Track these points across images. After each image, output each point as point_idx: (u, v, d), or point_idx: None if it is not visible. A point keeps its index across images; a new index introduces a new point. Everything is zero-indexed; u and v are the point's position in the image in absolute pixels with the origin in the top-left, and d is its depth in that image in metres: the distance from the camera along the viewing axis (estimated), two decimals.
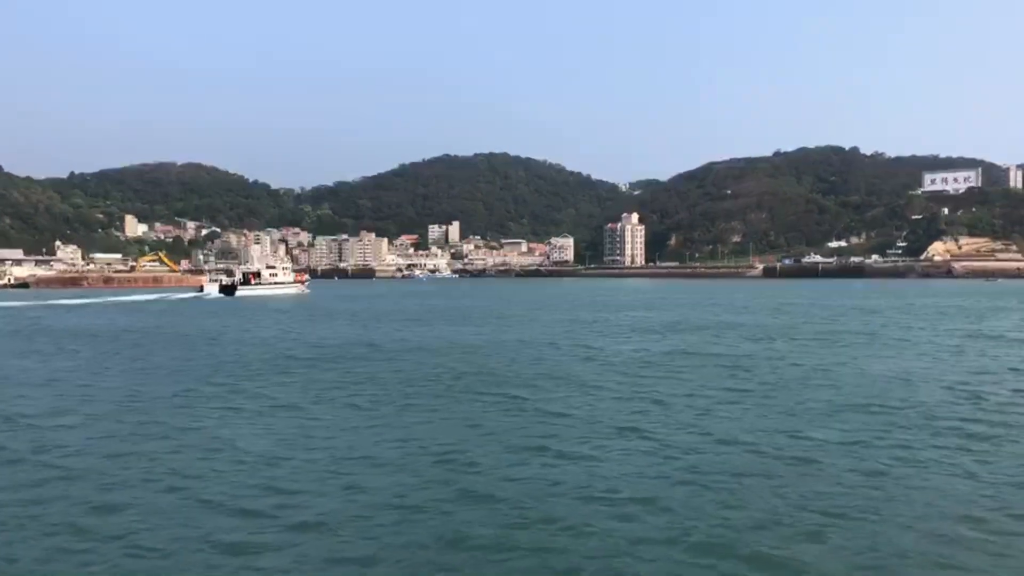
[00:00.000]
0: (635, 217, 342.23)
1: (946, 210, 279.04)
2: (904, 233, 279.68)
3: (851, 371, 26.88)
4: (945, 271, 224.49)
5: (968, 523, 11.33)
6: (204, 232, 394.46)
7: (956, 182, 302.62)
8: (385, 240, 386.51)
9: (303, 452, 15.81)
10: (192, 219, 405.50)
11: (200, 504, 12.52)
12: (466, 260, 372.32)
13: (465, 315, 64.66)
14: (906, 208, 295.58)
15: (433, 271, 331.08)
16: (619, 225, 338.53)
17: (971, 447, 15.63)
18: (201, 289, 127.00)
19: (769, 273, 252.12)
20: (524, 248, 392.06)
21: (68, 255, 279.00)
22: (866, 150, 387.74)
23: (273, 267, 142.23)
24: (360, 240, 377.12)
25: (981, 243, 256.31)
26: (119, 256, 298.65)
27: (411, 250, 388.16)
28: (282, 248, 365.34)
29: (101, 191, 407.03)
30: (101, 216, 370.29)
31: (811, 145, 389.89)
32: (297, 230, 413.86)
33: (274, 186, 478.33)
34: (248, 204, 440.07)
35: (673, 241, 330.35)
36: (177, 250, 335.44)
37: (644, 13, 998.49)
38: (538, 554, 10.39)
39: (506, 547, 10.63)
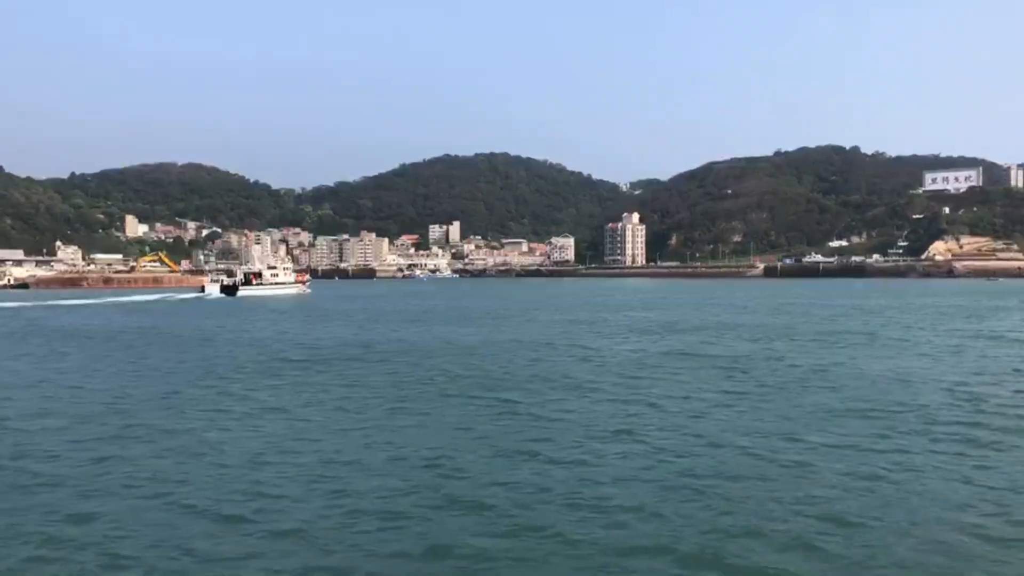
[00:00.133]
0: (636, 217, 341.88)
1: (947, 209, 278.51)
2: (905, 232, 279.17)
3: (850, 372, 26.58)
4: (946, 271, 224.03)
5: (968, 530, 11.03)
6: (205, 232, 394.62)
7: (957, 181, 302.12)
8: (386, 240, 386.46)
9: (289, 456, 15.53)
10: (193, 219, 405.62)
11: (181, 510, 12.25)
12: (467, 260, 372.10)
13: (463, 315, 64.40)
14: (907, 207, 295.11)
15: (434, 271, 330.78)
16: (620, 225, 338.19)
17: (971, 451, 15.32)
18: (202, 289, 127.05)
19: (770, 273, 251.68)
20: (525, 248, 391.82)
21: (68, 256, 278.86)
22: (867, 149, 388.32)
23: (274, 267, 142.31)
24: (361, 240, 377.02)
25: (982, 242, 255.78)
26: (120, 256, 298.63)
27: (412, 250, 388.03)
28: (283, 248, 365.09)
29: (102, 191, 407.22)
30: (102, 216, 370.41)
31: (812, 145, 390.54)
32: (298, 230, 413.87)
33: (275, 186, 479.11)
34: (249, 204, 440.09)
35: (674, 241, 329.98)
36: (178, 250, 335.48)
37: (644, 13, 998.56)
38: (525, 564, 10.10)
39: (492, 556, 10.34)
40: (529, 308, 75.60)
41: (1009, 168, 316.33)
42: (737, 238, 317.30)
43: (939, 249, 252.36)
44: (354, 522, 11.68)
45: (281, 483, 13.66)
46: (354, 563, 10.20)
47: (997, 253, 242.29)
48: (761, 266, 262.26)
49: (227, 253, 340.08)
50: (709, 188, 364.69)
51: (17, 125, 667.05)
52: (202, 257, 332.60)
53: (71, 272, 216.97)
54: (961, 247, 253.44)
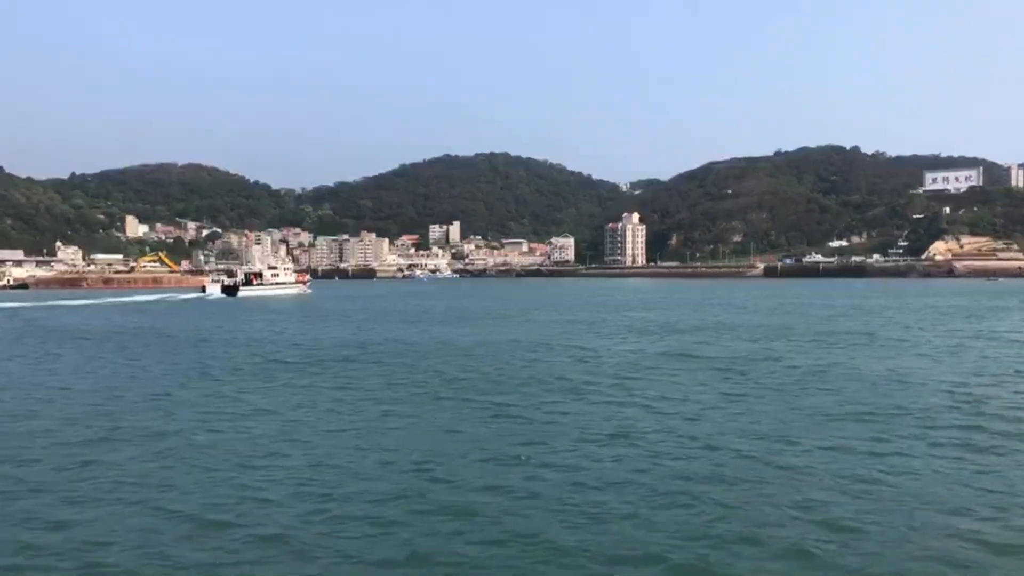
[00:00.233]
0: (636, 217, 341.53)
1: (947, 209, 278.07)
2: (905, 232, 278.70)
3: (848, 373, 26.32)
4: (946, 270, 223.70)
5: (966, 536, 10.79)
6: (205, 233, 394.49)
7: (957, 181, 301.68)
8: (386, 240, 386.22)
9: (278, 459, 15.30)
10: (193, 219, 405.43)
11: (164, 515, 12.02)
12: (467, 260, 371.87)
13: (462, 316, 64.17)
14: (907, 207, 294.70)
15: (434, 271, 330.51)
16: (620, 225, 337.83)
17: (970, 456, 15.06)
18: (203, 289, 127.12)
19: (770, 273, 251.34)
20: (525, 248, 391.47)
21: (69, 256, 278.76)
22: (867, 149, 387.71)
23: (275, 267, 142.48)
24: (361, 240, 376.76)
25: (982, 242, 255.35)
26: (120, 257, 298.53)
27: (412, 250, 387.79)
28: (283, 248, 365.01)
29: (102, 192, 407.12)
30: (102, 217, 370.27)
31: (812, 144, 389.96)
32: (298, 230, 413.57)
33: (275, 186, 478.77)
34: (249, 204, 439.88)
35: (674, 241, 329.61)
36: (178, 251, 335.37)
37: (644, 13, 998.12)
38: (512, 573, 9.87)
39: (479, 564, 10.11)
40: (528, 308, 75.36)
41: (1009, 168, 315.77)
42: (737, 238, 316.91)
43: (939, 249, 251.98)
44: (340, 528, 11.46)
45: (267, 487, 13.43)
46: (338, 570, 9.98)
47: (997, 253, 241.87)
48: (761, 266, 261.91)
49: (227, 253, 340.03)
50: (709, 188, 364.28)
51: (17, 125, 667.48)
52: (202, 257, 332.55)
53: (71, 272, 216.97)
54: (961, 247, 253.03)
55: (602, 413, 19.66)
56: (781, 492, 12.86)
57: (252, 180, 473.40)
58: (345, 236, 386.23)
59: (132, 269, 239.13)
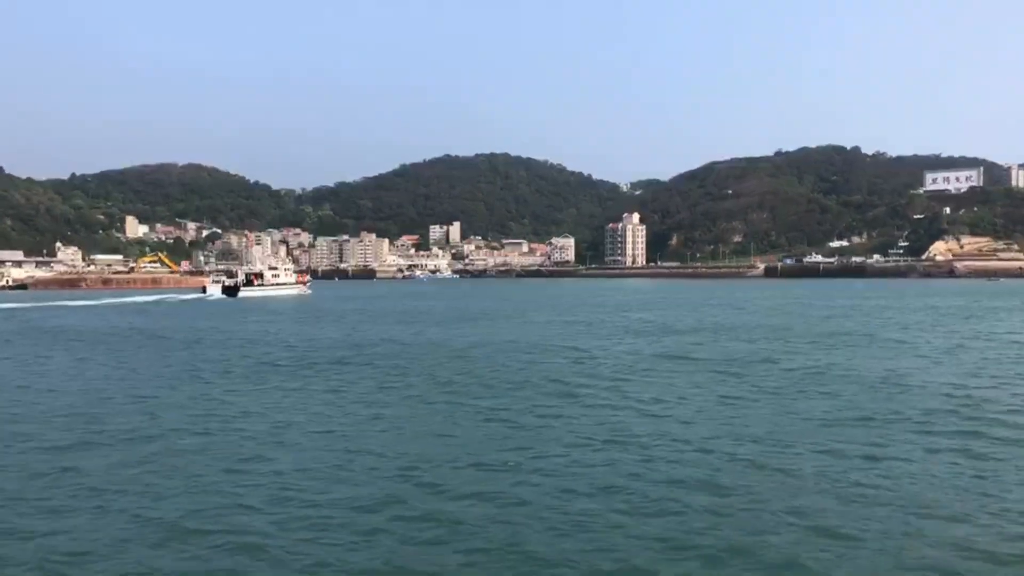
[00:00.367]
0: (636, 217, 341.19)
1: (948, 209, 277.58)
2: (906, 233, 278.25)
3: (846, 375, 26.01)
4: (947, 271, 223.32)
5: (964, 545, 10.49)
6: (205, 233, 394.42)
7: (958, 181, 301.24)
8: (386, 241, 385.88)
9: (263, 464, 15.01)
10: (193, 220, 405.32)
11: (142, 523, 11.72)
12: (467, 260, 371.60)
13: (460, 316, 63.89)
14: (907, 208, 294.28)
15: (434, 272, 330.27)
16: (620, 225, 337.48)
17: (969, 461, 14.74)
18: (204, 290, 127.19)
19: (770, 273, 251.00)
20: (525, 248, 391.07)
21: (68, 256, 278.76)
22: (867, 149, 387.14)
23: (275, 268, 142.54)
24: (361, 241, 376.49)
25: (983, 242, 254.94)
26: (120, 257, 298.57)
27: (412, 250, 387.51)
28: (283, 249, 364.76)
29: (102, 192, 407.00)
30: (102, 217, 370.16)
31: (812, 145, 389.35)
32: (298, 231, 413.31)
33: (275, 187, 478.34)
34: (249, 205, 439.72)
35: (674, 241, 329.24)
36: (178, 251, 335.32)
37: (643, 13, 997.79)
38: None
39: (458, 574, 9.83)
40: (527, 309, 75.07)
41: (1010, 168, 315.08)
42: (738, 238, 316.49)
43: (940, 249, 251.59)
44: (320, 535, 11.19)
45: (249, 493, 13.15)
46: None
47: (998, 253, 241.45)
48: (762, 266, 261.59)
49: (227, 254, 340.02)
50: (710, 188, 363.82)
51: (17, 125, 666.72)
52: (202, 258, 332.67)
53: (70, 273, 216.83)
54: (962, 247, 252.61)
55: (595, 417, 19.37)
56: (775, 498, 12.57)
57: (252, 180, 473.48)
58: (345, 236, 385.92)
59: (131, 270, 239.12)
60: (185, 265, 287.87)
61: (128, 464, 15.06)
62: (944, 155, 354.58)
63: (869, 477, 13.68)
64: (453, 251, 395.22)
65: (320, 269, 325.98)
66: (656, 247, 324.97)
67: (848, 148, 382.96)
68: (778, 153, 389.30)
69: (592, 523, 11.52)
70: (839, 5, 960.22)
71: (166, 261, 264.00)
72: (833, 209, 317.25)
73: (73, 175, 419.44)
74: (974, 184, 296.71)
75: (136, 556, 10.56)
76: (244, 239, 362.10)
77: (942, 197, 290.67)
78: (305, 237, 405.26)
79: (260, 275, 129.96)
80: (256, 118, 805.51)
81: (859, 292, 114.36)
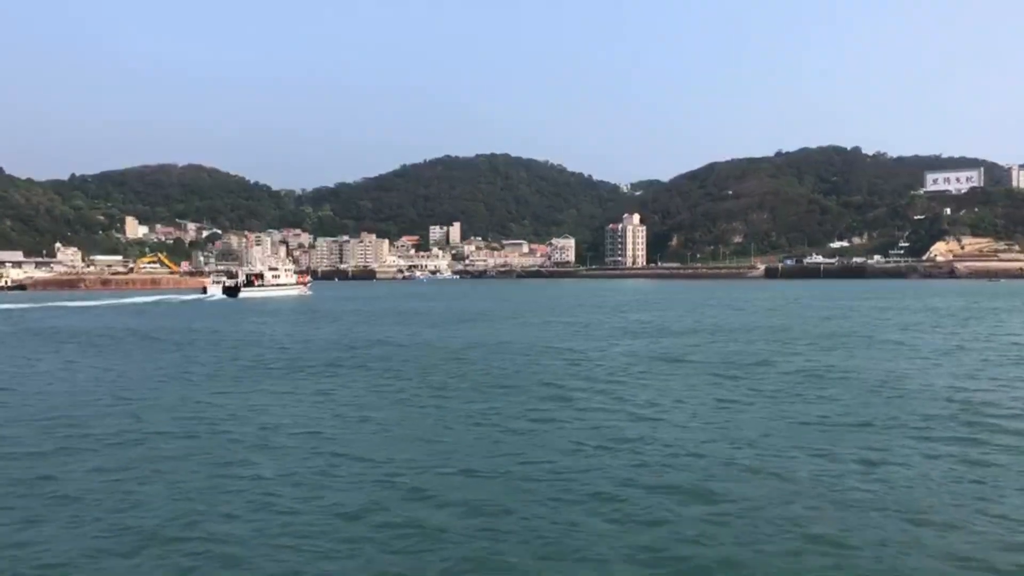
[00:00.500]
0: (636, 217, 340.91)
1: (948, 210, 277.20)
2: (906, 233, 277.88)
3: (844, 377, 25.69)
4: (947, 271, 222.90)
5: (961, 556, 10.17)
6: (205, 234, 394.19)
7: (958, 182, 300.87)
8: (386, 241, 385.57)
9: (244, 469, 14.69)
10: (193, 220, 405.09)
11: (118, 532, 11.40)
12: (467, 261, 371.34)
13: (458, 317, 63.57)
14: (908, 208, 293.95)
15: (434, 272, 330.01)
16: (620, 226, 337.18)
17: (967, 468, 14.40)
18: (205, 290, 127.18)
19: (771, 274, 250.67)
20: (525, 249, 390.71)
21: (68, 257, 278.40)
22: (868, 150, 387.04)
23: (276, 269, 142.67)
24: (361, 241, 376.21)
25: (983, 243, 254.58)
26: (119, 258, 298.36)
27: (412, 251, 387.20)
28: (283, 250, 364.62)
29: (102, 193, 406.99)
30: (102, 218, 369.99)
31: (813, 145, 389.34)
32: (298, 231, 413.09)
33: (275, 187, 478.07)
34: (249, 205, 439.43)
35: (674, 241, 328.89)
36: (178, 252, 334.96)
37: (643, 13, 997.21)
38: None
39: None
40: (526, 310, 74.75)
41: (1011, 169, 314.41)
42: (738, 239, 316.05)
43: (940, 250, 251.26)
44: (300, 542, 10.90)
45: (231, 499, 12.84)
46: None
47: (999, 254, 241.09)
48: (762, 267, 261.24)
49: (227, 254, 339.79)
50: (710, 189, 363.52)
51: (17, 125, 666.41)
52: (202, 258, 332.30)
53: (69, 274, 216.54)
54: (962, 248, 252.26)
55: (589, 421, 19.04)
56: (769, 505, 12.26)
57: (252, 181, 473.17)
58: (345, 237, 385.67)
59: (131, 270, 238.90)
60: (185, 266, 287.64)
61: (108, 470, 14.73)
62: (945, 156, 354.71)
63: (866, 483, 13.36)
64: (453, 252, 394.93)
65: (320, 270, 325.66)
66: (656, 248, 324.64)
67: (848, 148, 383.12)
68: (778, 153, 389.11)
69: (579, 532, 11.19)
70: (839, 5, 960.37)
71: (166, 262, 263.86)
72: (833, 210, 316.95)
73: (73, 175, 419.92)
74: (975, 185, 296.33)
75: (110, 566, 10.26)
76: (244, 240, 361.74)
77: (943, 198, 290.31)
78: (305, 238, 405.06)
79: (260, 276, 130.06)
80: (256, 118, 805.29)
81: (859, 293, 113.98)
